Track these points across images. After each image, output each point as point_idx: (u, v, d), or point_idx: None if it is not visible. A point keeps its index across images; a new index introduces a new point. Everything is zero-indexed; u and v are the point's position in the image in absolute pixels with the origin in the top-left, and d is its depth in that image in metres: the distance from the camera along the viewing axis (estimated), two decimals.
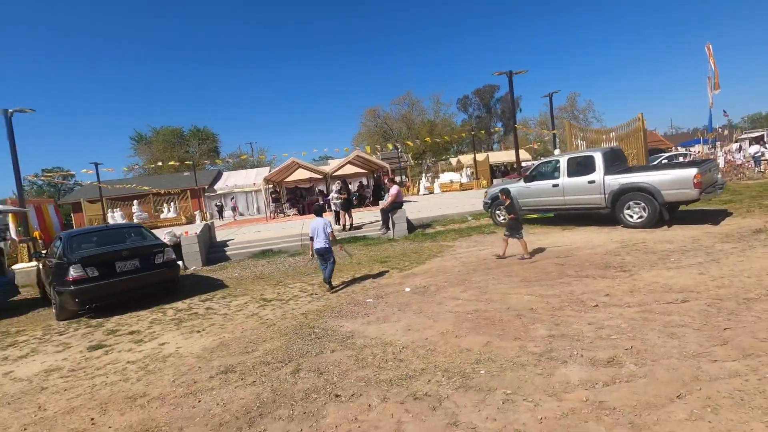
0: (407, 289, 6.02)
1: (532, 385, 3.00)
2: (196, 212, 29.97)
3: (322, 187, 30.22)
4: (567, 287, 5.28)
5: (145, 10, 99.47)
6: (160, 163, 31.57)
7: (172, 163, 31.70)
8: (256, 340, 4.67)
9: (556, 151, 18.82)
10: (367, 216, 15.21)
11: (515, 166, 39.48)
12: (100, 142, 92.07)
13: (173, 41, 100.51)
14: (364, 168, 25.30)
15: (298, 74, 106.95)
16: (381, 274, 7.41)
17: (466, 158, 38.19)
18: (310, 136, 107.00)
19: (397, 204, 11.66)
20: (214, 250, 11.61)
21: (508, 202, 7.55)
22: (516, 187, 10.72)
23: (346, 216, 12.97)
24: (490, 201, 11.46)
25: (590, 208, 9.39)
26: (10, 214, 13.27)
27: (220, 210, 28.89)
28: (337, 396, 3.18)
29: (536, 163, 12.03)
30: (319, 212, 7.05)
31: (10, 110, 11.67)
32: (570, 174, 9.61)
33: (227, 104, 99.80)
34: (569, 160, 9.76)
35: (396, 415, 2.82)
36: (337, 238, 11.89)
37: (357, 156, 20.77)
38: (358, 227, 13.11)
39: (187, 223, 29.40)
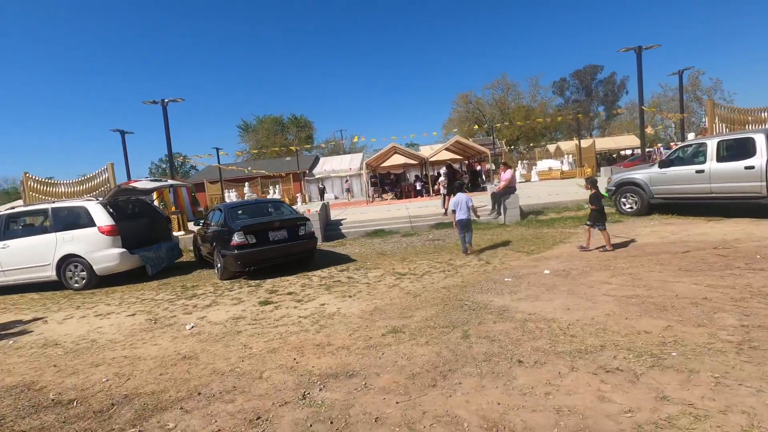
0: (546, 272, 5.93)
1: (743, 372, 2.83)
2: (297, 194, 32.24)
3: (416, 172, 30.61)
4: (741, 279, 4.79)
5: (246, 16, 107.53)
6: (274, 147, 34.24)
7: (275, 149, 34.34)
8: (409, 308, 4.98)
9: (690, 135, 16.73)
10: None
11: (622, 152, 36.08)
12: (211, 129, 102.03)
13: (270, 30, 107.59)
14: (461, 154, 24.99)
15: (385, 60, 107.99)
16: (506, 256, 7.37)
17: (567, 145, 35.80)
18: (397, 123, 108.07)
19: (510, 189, 11.40)
20: (330, 228, 12.45)
21: (593, 191, 7.04)
22: (649, 173, 9.86)
23: (450, 199, 13.00)
24: (614, 188, 10.68)
25: (745, 197, 8.30)
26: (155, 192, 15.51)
27: (322, 192, 30.60)
28: (520, 362, 3.30)
29: (680, 145, 10.86)
30: (460, 189, 8.30)
31: (166, 100, 13.62)
32: (720, 159, 8.57)
33: (320, 91, 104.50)
34: (720, 143, 8.69)
35: (593, 384, 2.86)
36: (443, 222, 12.11)
37: (456, 141, 20.57)
38: None
39: (290, 205, 31.67)
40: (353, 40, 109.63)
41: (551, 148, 37.59)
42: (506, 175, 11.47)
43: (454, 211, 7.72)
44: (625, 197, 10.40)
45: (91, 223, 8.02)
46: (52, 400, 3.46)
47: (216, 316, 5.47)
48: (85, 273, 8.02)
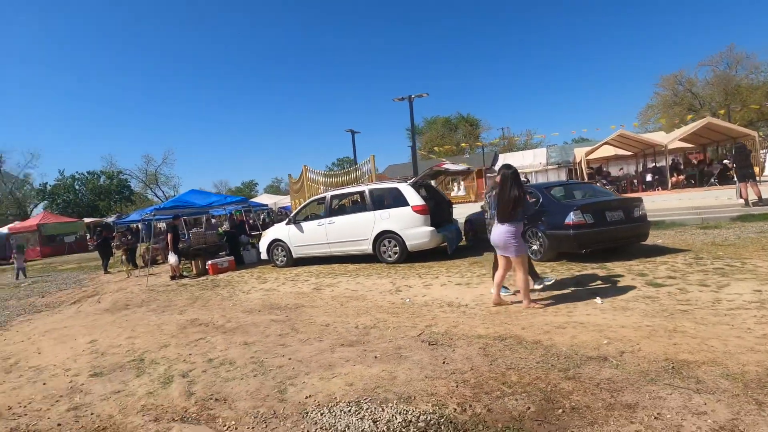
0: None
1: None
2: (483, 191, 31.84)
3: (622, 166, 27.09)
4: None
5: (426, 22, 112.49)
6: (448, 145, 34.76)
7: (459, 145, 34.55)
8: None
9: None
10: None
11: None
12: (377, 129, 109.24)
13: (437, 36, 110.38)
14: (695, 141, 20.89)
15: (564, 45, 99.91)
16: None
17: None
18: (569, 117, 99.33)
19: None
20: None
21: None
22: None
23: (749, 186, 10.57)
24: None
25: None
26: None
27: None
28: None
29: None
30: None
31: (412, 96, 14.60)
32: None
33: (484, 88, 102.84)
34: None
35: None
36: (752, 213, 9.92)
37: (708, 124, 17.18)
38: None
39: (476, 201, 31.51)
40: (513, 30, 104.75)
41: None
42: None
43: None
44: None
45: (404, 202, 8.75)
46: (584, 355, 3.41)
47: (618, 294, 5.10)
48: (397, 248, 8.78)
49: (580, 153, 24.54)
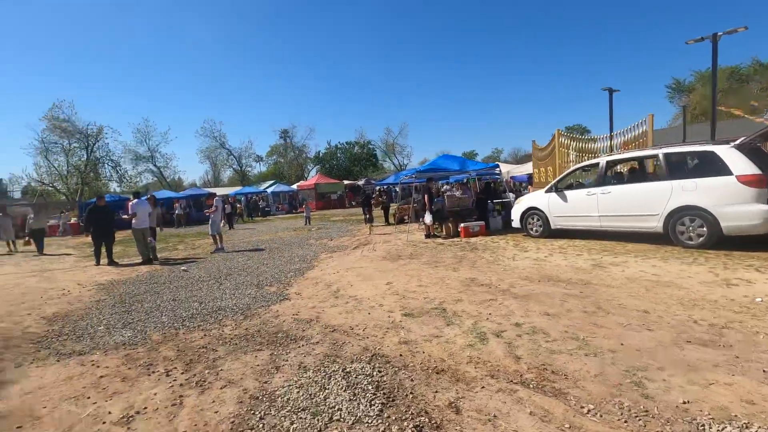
0: None
1: None
2: None
3: None
4: None
5: None
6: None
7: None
8: None
9: None
10: None
11: None
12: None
13: None
14: None
15: None
16: None
17: None
18: None
19: None
20: None
21: None
22: None
23: None
24: None
25: None
26: None
27: None
28: None
29: None
30: None
31: (719, 33, 11.11)
32: None
33: None
34: None
35: None
36: None
37: None
38: None
39: None
40: None
41: None
42: None
43: None
44: None
45: (722, 170, 6.65)
46: None
47: None
48: (704, 229, 6.81)
49: None
